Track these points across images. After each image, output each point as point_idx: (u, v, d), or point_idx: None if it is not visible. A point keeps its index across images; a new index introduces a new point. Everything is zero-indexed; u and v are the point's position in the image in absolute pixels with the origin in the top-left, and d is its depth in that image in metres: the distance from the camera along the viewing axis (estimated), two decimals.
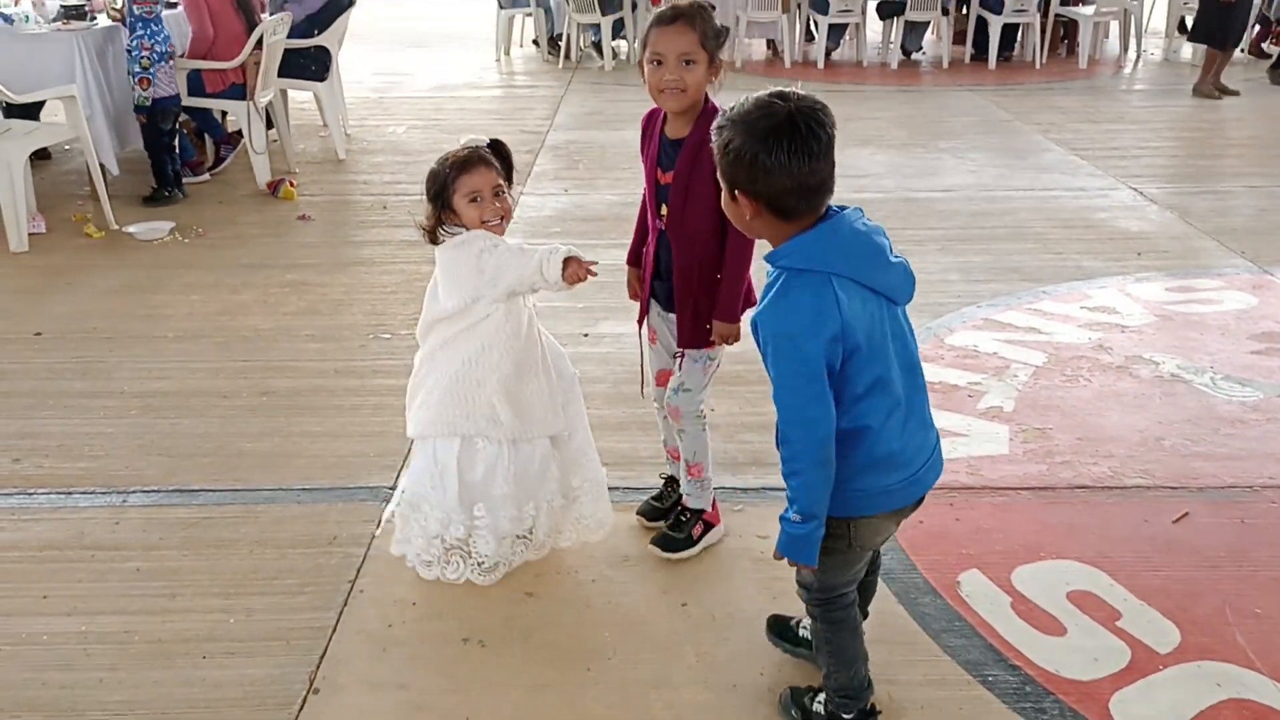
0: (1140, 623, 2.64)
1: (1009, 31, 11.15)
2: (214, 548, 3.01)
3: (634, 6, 11.25)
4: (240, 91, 6.53)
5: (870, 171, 6.99)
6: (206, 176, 6.83)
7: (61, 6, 6.43)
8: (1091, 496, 3.20)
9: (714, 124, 2.00)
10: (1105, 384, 3.93)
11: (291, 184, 6.51)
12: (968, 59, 11.41)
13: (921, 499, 2.14)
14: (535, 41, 12.39)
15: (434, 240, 2.69)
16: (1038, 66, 10.94)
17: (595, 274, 2.62)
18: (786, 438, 1.95)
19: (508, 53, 12.06)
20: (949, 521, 3.09)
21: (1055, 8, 11.03)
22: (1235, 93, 9.35)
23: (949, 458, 3.35)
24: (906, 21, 10.98)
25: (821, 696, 2.35)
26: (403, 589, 2.82)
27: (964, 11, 11.36)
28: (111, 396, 3.91)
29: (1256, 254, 5.28)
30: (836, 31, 11.40)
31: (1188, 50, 11.84)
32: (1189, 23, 12.04)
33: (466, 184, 2.62)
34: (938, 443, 2.15)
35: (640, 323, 2.93)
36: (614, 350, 4.24)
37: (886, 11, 11.11)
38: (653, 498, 3.12)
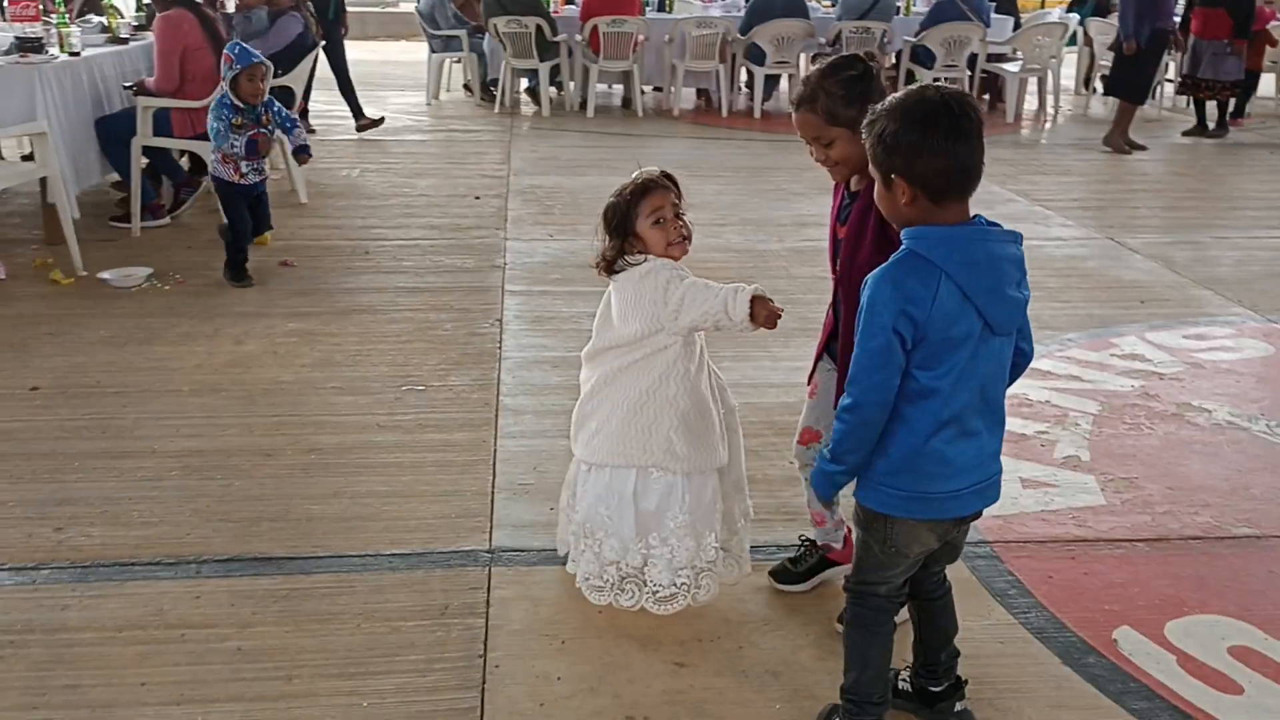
0: None
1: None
2: (316, 622, 2.75)
3: (569, 53, 11.19)
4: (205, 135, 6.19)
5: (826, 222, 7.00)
6: (166, 220, 6.46)
7: (15, 39, 6.01)
8: (1209, 548, 3.18)
9: (864, 121, 2.09)
10: (1169, 432, 3.95)
11: None
12: None
13: (967, 521, 2.22)
14: (467, 86, 12.22)
15: (611, 271, 2.69)
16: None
17: (782, 314, 2.59)
18: (849, 391, 2.07)
19: (438, 97, 11.86)
20: (1079, 575, 3.03)
21: (982, 64, 11.37)
22: (1143, 147, 9.71)
23: (1049, 509, 3.34)
24: None
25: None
26: (541, 663, 2.61)
27: (895, 65, 11.61)
28: (144, 456, 3.59)
29: (1254, 303, 5.44)
30: (771, 82, 11.53)
31: (1095, 105, 12.37)
32: (1095, 79, 12.62)
33: (649, 205, 2.64)
34: (998, 474, 2.19)
35: (811, 379, 2.83)
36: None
37: None
38: (789, 560, 2.97)
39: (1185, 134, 10.63)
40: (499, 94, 11.14)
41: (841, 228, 2.60)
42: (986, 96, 12.27)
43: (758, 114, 11.13)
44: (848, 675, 2.32)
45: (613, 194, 2.71)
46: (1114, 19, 12.41)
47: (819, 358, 2.81)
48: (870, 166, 2.09)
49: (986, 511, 2.78)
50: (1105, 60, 11.93)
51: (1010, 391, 2.20)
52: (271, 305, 5.13)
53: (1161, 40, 9.49)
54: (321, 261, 5.84)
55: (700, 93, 12.21)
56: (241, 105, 5.17)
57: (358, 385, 4.22)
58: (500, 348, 4.64)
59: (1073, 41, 12.75)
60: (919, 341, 2.01)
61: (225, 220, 5.45)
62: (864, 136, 2.08)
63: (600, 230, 2.72)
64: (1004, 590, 2.93)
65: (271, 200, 5.64)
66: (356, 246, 6.14)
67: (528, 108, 11.46)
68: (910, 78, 11.39)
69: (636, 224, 2.67)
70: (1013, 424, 3.85)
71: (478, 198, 7.36)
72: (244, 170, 5.29)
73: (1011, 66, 11.43)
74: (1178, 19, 10.34)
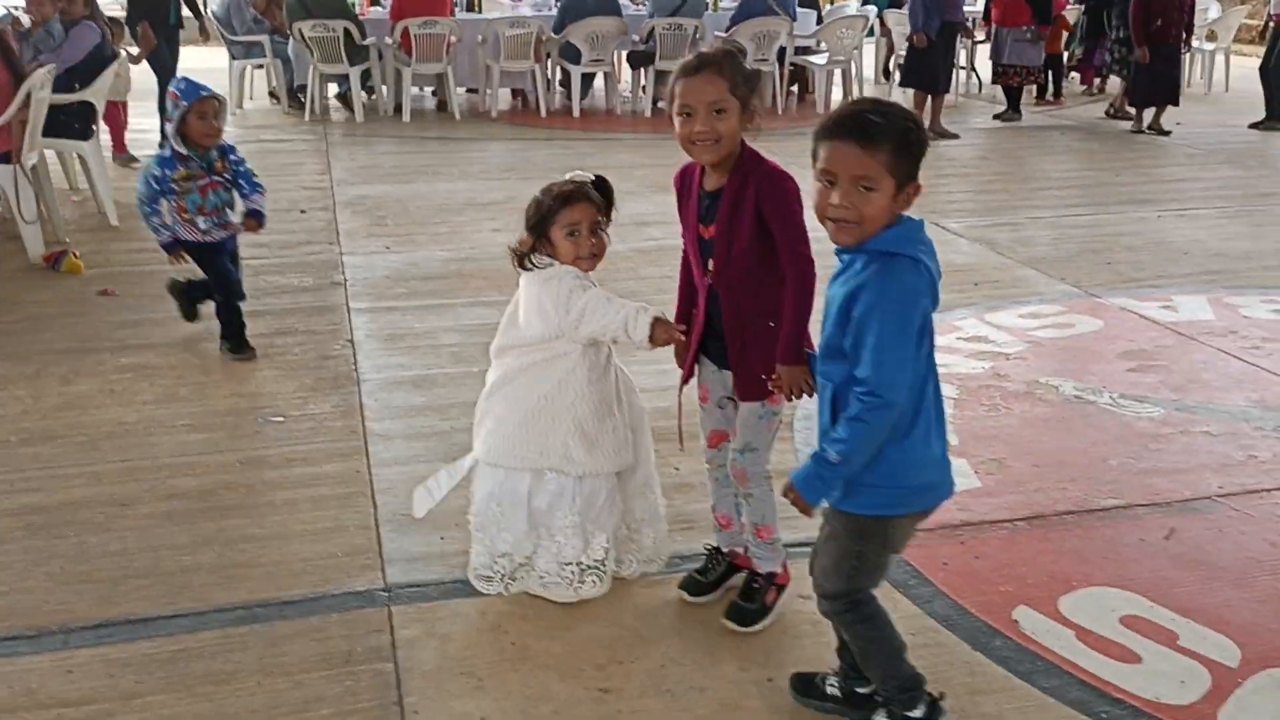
0: (1199, 641, 2.75)
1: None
2: (210, 684, 2.56)
3: (380, 56, 10.89)
4: (4, 156, 5.72)
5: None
6: None
7: None
8: (1081, 521, 3.33)
9: (886, 130, 2.01)
10: (1024, 410, 4.13)
11: (75, 255, 5.77)
12: None
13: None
14: (273, 94, 11.72)
15: (523, 266, 2.70)
16: (779, 112, 11.52)
17: (683, 339, 2.55)
18: (874, 393, 2.02)
19: (241, 106, 11.33)
20: (970, 560, 3.12)
21: (790, 57, 11.65)
22: (955, 135, 10.18)
23: None
24: (657, 71, 11.25)
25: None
26: (461, 702, 2.51)
27: None
28: None
29: (1077, 279, 5.74)
30: (588, 81, 11.51)
31: (896, 95, 12.88)
32: (894, 69, 13.13)
33: (568, 216, 2.63)
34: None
35: (684, 382, 2.79)
36: None
37: (637, 61, 11.35)
38: (696, 571, 2.94)
39: (996, 117, 11.19)
40: (308, 101, 10.73)
41: (707, 227, 2.56)
42: (795, 88, 12.61)
43: (576, 113, 11.09)
44: (891, 676, 2.32)
45: (541, 189, 2.70)
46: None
47: (695, 360, 2.75)
48: (876, 173, 2.01)
49: None
50: (904, 50, 12.43)
51: None
52: (97, 339, 4.77)
53: (951, 32, 9.95)
54: (144, 288, 5.46)
55: (516, 93, 12.09)
56: (186, 153, 4.28)
57: (210, 421, 3.97)
58: (356, 370, 4.45)
59: (872, 32, 13.23)
60: (922, 334, 2.06)
61: (186, 282, 4.77)
62: (884, 144, 2.00)
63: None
64: (904, 581, 2.99)
65: (78, 223, 5.24)
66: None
67: (339, 114, 11.09)
68: None
69: (552, 230, 2.67)
70: None
71: (303, 211, 7.06)
72: (203, 226, 4.40)
73: (818, 59, 11.76)
74: (979, 9, 10.85)
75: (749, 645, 2.72)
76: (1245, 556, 3.15)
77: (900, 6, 13.09)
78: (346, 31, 10.26)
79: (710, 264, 2.59)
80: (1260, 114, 10.67)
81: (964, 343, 4.81)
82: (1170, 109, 10.18)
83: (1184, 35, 10.24)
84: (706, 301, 2.64)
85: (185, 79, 4.36)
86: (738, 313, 2.60)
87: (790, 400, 2.60)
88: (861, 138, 2.01)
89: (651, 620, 2.82)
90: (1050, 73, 12.25)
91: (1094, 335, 4.95)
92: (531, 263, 2.69)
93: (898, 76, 12.98)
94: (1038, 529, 3.28)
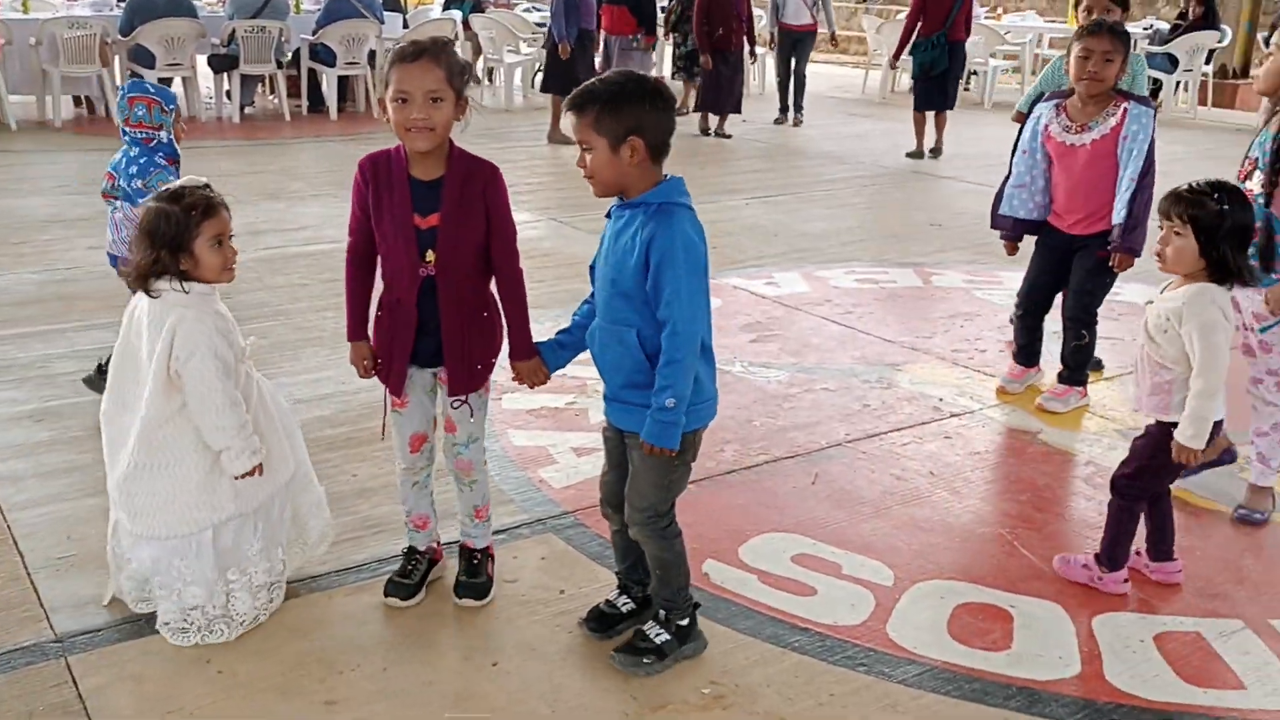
0: (859, 568, 3.11)
1: (344, 83, 11.43)
2: None
3: None
4: None
5: (308, 224, 6.84)
6: None
7: None
8: (743, 478, 3.64)
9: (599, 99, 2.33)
10: None
11: None
12: (305, 111, 11.46)
13: None
14: None
15: (148, 291, 2.51)
16: (375, 116, 11.36)
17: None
18: (677, 330, 2.34)
19: None
20: None
21: (381, 59, 11.53)
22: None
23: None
24: (243, 76, 10.74)
25: (653, 627, 2.65)
26: None
27: (296, 65, 11.38)
28: None
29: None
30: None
31: (488, 97, 13.12)
32: (479, 70, 13.36)
33: (213, 227, 2.54)
34: None
35: (399, 393, 2.73)
36: None
37: (219, 65, 10.76)
38: (398, 574, 2.88)
39: None
40: None
41: (425, 217, 2.56)
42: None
43: None
44: (676, 588, 2.63)
45: (159, 199, 2.53)
46: (494, 14, 13.29)
47: (405, 367, 2.70)
48: (605, 133, 2.34)
49: (562, 483, 3.43)
50: (493, 53, 12.70)
51: None
52: None
53: (585, 39, 10.23)
54: None
55: (80, 100, 11.06)
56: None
57: None
58: None
59: (457, 37, 13.37)
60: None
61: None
62: (595, 112, 2.35)
63: (139, 239, 2.53)
64: (600, 553, 3.13)
65: None
66: None
67: None
68: (313, 76, 11.26)
69: (195, 243, 2.52)
70: (544, 399, 4.11)
71: None
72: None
73: None
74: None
75: (466, 635, 2.75)
76: (879, 491, 3.59)
77: (483, 11, 13.38)
78: None
79: (430, 254, 2.57)
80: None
81: None
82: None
83: (745, 44, 11.14)
84: (418, 295, 2.61)
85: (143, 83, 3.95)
86: (460, 304, 2.62)
87: (531, 389, 2.79)
88: (573, 108, 2.40)
89: (362, 628, 2.77)
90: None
91: (717, 312, 5.31)
92: (168, 287, 2.51)
93: (486, 80, 13.33)
94: (707, 489, 3.54)
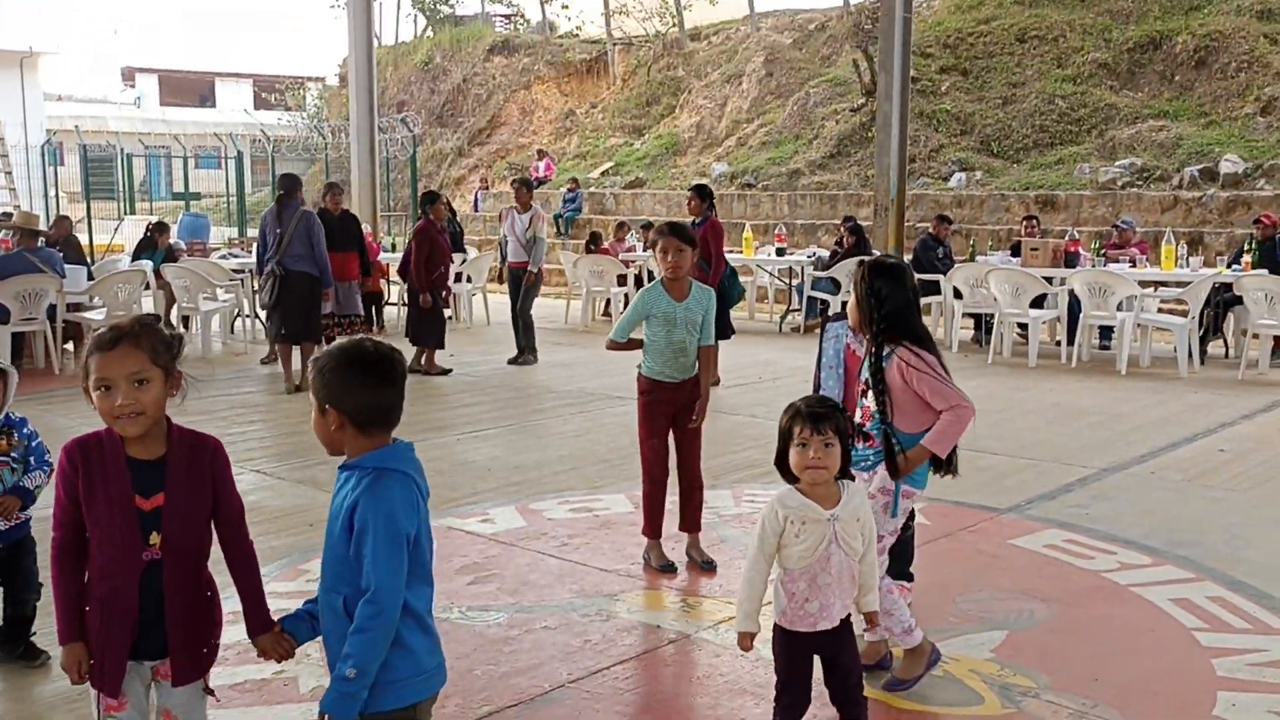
0: None
1: (19, 339, 10.79)
2: None
3: None
4: None
5: None
6: None
7: None
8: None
9: (317, 364, 2.39)
10: None
11: None
12: None
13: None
14: None
15: None
16: (58, 371, 10.75)
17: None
18: (370, 600, 2.28)
19: None
20: None
21: (63, 314, 11.00)
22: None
23: None
24: None
25: None
26: None
27: None
28: None
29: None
30: None
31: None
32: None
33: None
34: None
35: (115, 694, 2.52)
36: None
37: None
38: None
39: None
40: None
41: (148, 499, 2.48)
42: (70, 345, 11.88)
43: None
44: None
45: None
46: (187, 262, 13.03)
47: (123, 663, 2.51)
48: (315, 396, 2.39)
49: None
50: (188, 301, 12.39)
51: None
52: None
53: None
54: None
55: None
56: None
57: None
58: None
59: (148, 286, 12.97)
60: (415, 539, 2.35)
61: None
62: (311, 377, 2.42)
63: None
64: None
65: None
66: None
67: None
68: None
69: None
70: (247, 670, 3.88)
71: None
72: None
73: (96, 314, 11.24)
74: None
75: None
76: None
77: (175, 260, 13.11)
78: None
79: (154, 537, 2.46)
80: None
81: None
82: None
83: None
84: (141, 581, 2.47)
85: None
86: (184, 587, 2.51)
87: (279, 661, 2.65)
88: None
89: None
90: (373, 308, 13.24)
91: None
92: None
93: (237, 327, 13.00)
94: None
